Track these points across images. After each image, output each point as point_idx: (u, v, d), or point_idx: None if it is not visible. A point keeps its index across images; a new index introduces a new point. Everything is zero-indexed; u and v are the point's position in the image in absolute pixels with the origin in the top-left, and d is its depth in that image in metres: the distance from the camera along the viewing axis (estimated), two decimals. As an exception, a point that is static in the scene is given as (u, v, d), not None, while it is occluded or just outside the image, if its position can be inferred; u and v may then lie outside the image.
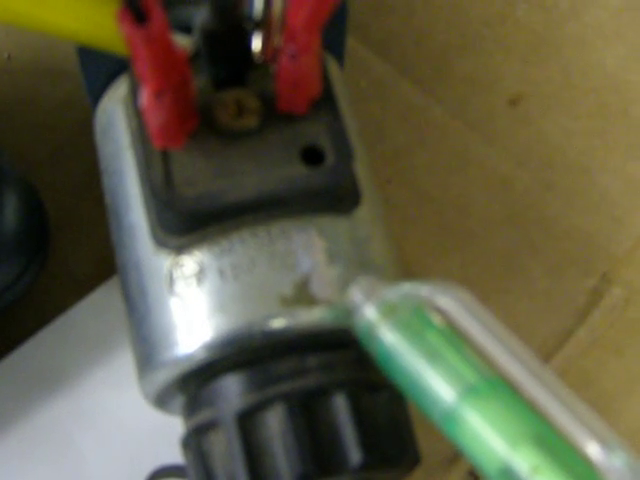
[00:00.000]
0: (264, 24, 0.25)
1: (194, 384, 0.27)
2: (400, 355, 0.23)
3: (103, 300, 0.34)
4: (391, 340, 0.23)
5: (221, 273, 0.25)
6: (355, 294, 0.25)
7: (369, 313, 0.24)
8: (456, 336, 0.23)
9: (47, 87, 0.38)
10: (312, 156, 0.25)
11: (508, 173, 0.37)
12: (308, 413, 0.25)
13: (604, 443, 0.20)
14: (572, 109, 0.38)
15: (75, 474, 0.32)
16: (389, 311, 0.24)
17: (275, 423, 0.25)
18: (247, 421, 0.25)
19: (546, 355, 0.34)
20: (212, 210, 0.25)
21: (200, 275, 0.25)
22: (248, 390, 0.25)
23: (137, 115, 0.26)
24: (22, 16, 0.26)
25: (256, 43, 0.25)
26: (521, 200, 0.36)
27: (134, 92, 0.26)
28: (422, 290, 0.24)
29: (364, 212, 0.27)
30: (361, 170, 0.27)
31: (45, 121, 0.38)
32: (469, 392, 0.22)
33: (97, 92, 0.30)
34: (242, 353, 0.25)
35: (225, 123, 0.25)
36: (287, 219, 0.26)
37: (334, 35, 0.30)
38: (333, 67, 0.29)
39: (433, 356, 0.23)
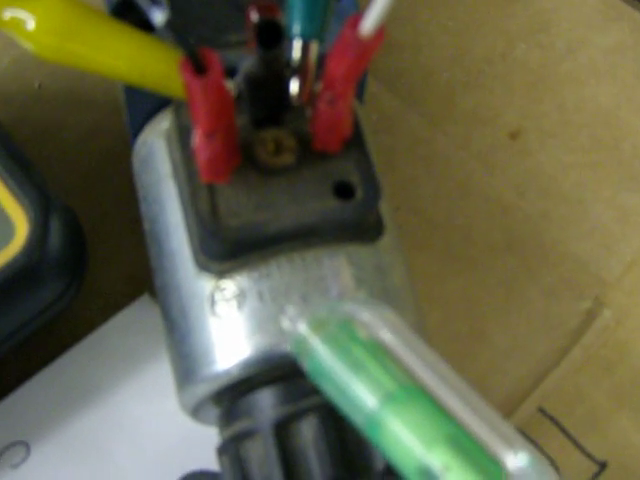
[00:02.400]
0: (301, 71, 0.28)
1: (228, 397, 0.29)
2: (328, 367, 0.24)
3: (134, 317, 0.36)
4: (320, 353, 0.24)
5: (260, 296, 0.28)
6: (290, 311, 0.26)
7: (301, 328, 0.25)
8: (378, 348, 0.24)
9: (76, 115, 0.40)
10: (343, 191, 0.28)
11: (508, 202, 0.39)
12: (337, 423, 0.27)
13: (510, 444, 0.22)
14: (567, 143, 0.40)
15: (109, 479, 0.34)
16: (319, 326, 0.25)
17: (308, 432, 0.27)
18: (283, 430, 0.27)
19: (543, 372, 0.36)
20: (253, 239, 0.27)
21: (240, 298, 0.28)
22: (283, 402, 0.28)
23: (184, 151, 0.28)
24: (81, 59, 0.28)
25: (293, 87, 0.28)
26: (520, 228, 0.38)
27: (181, 131, 0.28)
28: (347, 306, 0.25)
29: (386, 241, 0.29)
30: (382, 202, 0.30)
31: (75, 148, 0.39)
32: (388, 399, 0.23)
33: (138, 125, 0.32)
34: (278, 369, 0.28)
35: (265, 160, 0.28)
36: (319, 247, 0.28)
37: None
38: (356, 105, 0.32)
39: (357, 367, 0.24)
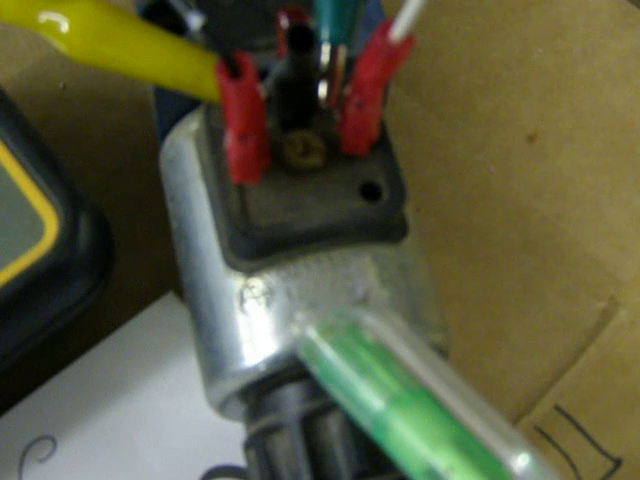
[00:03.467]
0: (330, 74, 0.28)
1: (255, 393, 0.30)
2: (336, 370, 0.25)
3: (159, 314, 0.36)
4: (328, 357, 0.25)
5: (289, 294, 0.28)
6: (299, 317, 0.27)
7: (310, 333, 0.26)
8: (384, 352, 0.25)
9: (100, 115, 0.41)
10: (370, 192, 0.28)
11: (525, 204, 0.40)
12: None
13: (513, 446, 0.22)
14: (583, 147, 0.41)
15: (134, 473, 0.34)
16: (327, 331, 0.26)
17: (335, 426, 0.28)
18: (309, 425, 0.28)
19: (559, 370, 0.37)
20: (283, 238, 0.28)
21: (269, 296, 0.28)
22: (310, 397, 0.28)
23: (214, 152, 0.29)
24: (113, 61, 0.28)
25: (321, 90, 0.29)
26: (537, 229, 0.39)
27: (211, 132, 0.29)
28: (355, 311, 0.26)
29: (410, 242, 0.30)
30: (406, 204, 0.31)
31: (99, 147, 0.40)
32: (394, 401, 0.24)
33: (166, 126, 0.33)
34: (305, 365, 0.28)
35: (293, 161, 0.28)
36: (346, 247, 0.29)
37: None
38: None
39: (364, 371, 0.24)
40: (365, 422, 0.25)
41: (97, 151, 0.40)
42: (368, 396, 0.24)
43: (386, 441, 0.24)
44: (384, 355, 0.25)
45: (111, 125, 0.41)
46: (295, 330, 0.27)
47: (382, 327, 0.25)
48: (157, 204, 0.37)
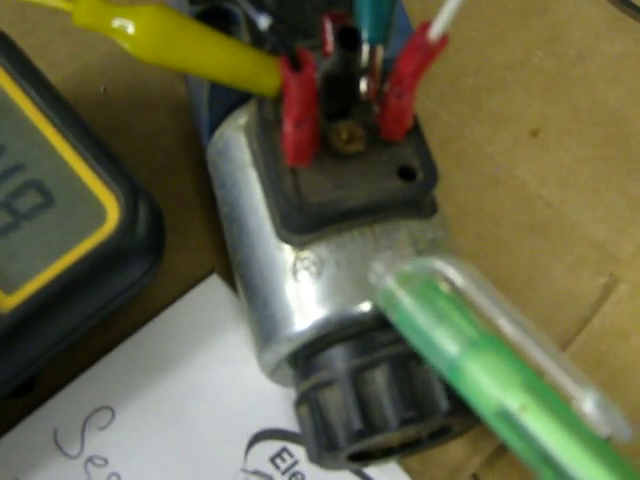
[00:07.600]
0: (369, 71, 0.32)
1: (304, 356, 0.33)
2: (414, 317, 0.26)
3: (204, 295, 0.39)
4: (406, 305, 0.27)
5: (338, 264, 0.32)
6: (377, 267, 0.29)
7: (389, 282, 0.28)
8: (460, 301, 0.26)
9: (140, 118, 0.43)
10: (406, 173, 0.32)
11: (531, 192, 0.43)
12: (407, 372, 0.31)
13: (581, 385, 0.24)
14: (582, 140, 0.44)
15: (186, 438, 0.37)
16: (405, 281, 0.27)
17: (382, 379, 0.31)
18: (358, 378, 0.31)
19: (567, 340, 0.40)
20: (332, 214, 0.31)
21: (319, 266, 0.32)
22: (358, 354, 0.31)
23: (266, 140, 0.32)
24: (177, 60, 0.31)
25: (362, 85, 0.32)
26: (542, 214, 0.42)
27: (264, 123, 0.32)
28: (433, 263, 0.27)
29: (439, 219, 0.34)
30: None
31: (139, 147, 0.43)
32: (470, 346, 0.25)
33: (216, 121, 0.36)
34: (353, 326, 0.32)
35: (339, 147, 0.32)
36: (386, 222, 0.32)
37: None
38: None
39: (441, 317, 0.26)
40: (441, 366, 0.26)
41: (138, 150, 0.43)
42: (444, 341, 0.26)
43: (460, 384, 0.26)
44: (460, 303, 0.26)
45: (150, 126, 0.44)
46: (373, 278, 0.29)
47: (458, 276, 0.27)
48: (198, 197, 0.41)
